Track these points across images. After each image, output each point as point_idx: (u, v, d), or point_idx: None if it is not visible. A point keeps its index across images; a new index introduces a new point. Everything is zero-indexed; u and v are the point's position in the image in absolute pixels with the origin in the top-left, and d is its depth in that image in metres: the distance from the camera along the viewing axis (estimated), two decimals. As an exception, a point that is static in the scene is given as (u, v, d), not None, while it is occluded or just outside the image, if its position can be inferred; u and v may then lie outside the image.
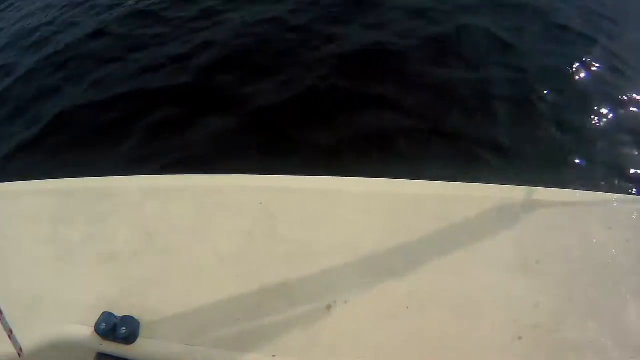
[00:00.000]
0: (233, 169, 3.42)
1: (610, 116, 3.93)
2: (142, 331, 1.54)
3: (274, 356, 1.43)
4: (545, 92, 4.12)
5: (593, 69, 4.42)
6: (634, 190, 3.34)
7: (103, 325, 1.51)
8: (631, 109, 4.03)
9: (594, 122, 3.89)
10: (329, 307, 1.54)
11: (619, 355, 1.33)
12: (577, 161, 3.55)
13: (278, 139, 3.97)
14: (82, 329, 1.55)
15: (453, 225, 1.68)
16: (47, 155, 4.30)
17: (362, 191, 1.89)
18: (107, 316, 1.54)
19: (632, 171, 3.47)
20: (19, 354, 1.37)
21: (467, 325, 1.45)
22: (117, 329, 1.50)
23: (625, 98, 4.12)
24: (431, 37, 4.83)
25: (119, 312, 1.57)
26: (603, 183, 3.36)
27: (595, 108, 3.99)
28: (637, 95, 4.12)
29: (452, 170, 3.28)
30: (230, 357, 1.45)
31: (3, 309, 1.28)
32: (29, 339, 1.48)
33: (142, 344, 1.52)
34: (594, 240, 1.62)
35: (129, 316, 1.55)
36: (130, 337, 1.50)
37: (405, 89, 4.22)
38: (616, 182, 3.37)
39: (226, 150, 3.89)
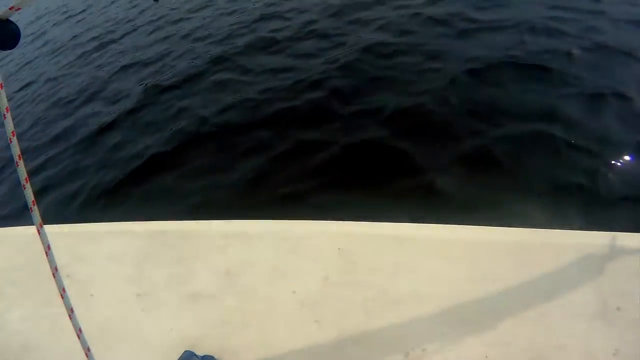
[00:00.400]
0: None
1: None
2: None
3: None
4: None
5: None
6: None
7: (184, 364, 1.56)
8: None
9: None
10: (407, 355, 1.53)
11: None
12: None
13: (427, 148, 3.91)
14: None
15: (533, 272, 1.66)
16: (178, 178, 4.45)
17: (442, 238, 1.89)
18: (188, 355, 1.58)
19: None
20: None
21: None
22: (198, 368, 1.56)
23: None
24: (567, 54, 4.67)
25: (200, 352, 1.61)
26: None
27: None
28: None
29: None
30: None
31: (90, 345, 1.35)
32: None
33: None
34: None
35: (209, 356, 1.60)
36: (209, 377, 1.55)
37: (553, 103, 4.01)
38: None
39: (370, 165, 3.88)
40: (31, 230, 2.32)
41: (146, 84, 6.60)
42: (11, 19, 0.92)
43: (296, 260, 1.91)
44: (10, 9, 0.89)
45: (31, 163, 5.69)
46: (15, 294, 2.13)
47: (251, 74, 5.91)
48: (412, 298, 1.67)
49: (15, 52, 10.99)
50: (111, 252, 2.18)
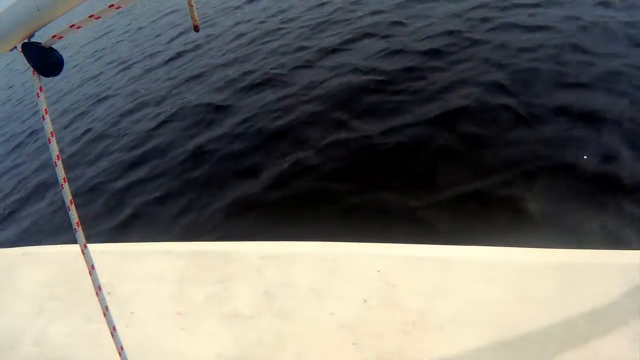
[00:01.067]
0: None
1: None
2: None
3: None
4: None
5: None
6: None
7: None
8: None
9: None
10: None
11: None
12: None
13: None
14: None
15: (577, 294, 1.64)
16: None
17: (483, 260, 1.89)
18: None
19: None
20: None
21: None
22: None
23: None
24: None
25: None
26: None
27: None
28: None
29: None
30: None
31: None
32: None
33: None
34: None
35: None
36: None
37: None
38: None
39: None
40: (74, 248, 2.64)
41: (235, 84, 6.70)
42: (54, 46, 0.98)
43: (334, 282, 1.95)
44: (53, 37, 0.96)
45: (127, 176, 5.70)
46: (57, 310, 2.25)
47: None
48: (453, 322, 1.67)
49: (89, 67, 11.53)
50: (152, 271, 2.28)
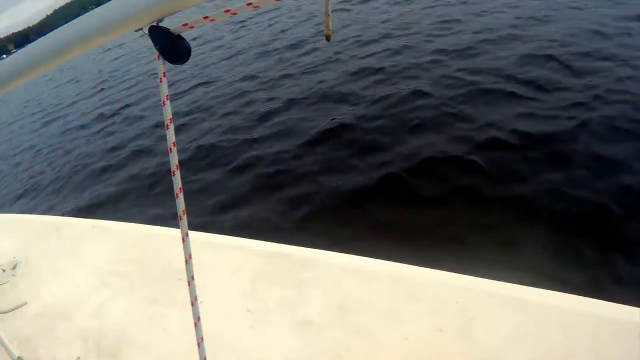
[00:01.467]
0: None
1: None
2: None
3: None
4: None
5: None
6: None
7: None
8: None
9: None
10: None
11: None
12: None
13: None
14: None
15: None
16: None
17: (569, 308, 1.80)
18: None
19: None
20: None
21: None
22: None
23: None
24: None
25: None
26: None
27: None
28: None
29: None
30: None
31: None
32: None
33: None
34: None
35: None
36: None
37: None
38: None
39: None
40: (144, 228, 2.68)
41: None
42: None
43: (411, 306, 1.92)
44: (183, 25, 0.96)
45: (238, 158, 5.66)
46: (121, 287, 2.32)
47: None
48: None
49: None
50: (227, 265, 2.32)
